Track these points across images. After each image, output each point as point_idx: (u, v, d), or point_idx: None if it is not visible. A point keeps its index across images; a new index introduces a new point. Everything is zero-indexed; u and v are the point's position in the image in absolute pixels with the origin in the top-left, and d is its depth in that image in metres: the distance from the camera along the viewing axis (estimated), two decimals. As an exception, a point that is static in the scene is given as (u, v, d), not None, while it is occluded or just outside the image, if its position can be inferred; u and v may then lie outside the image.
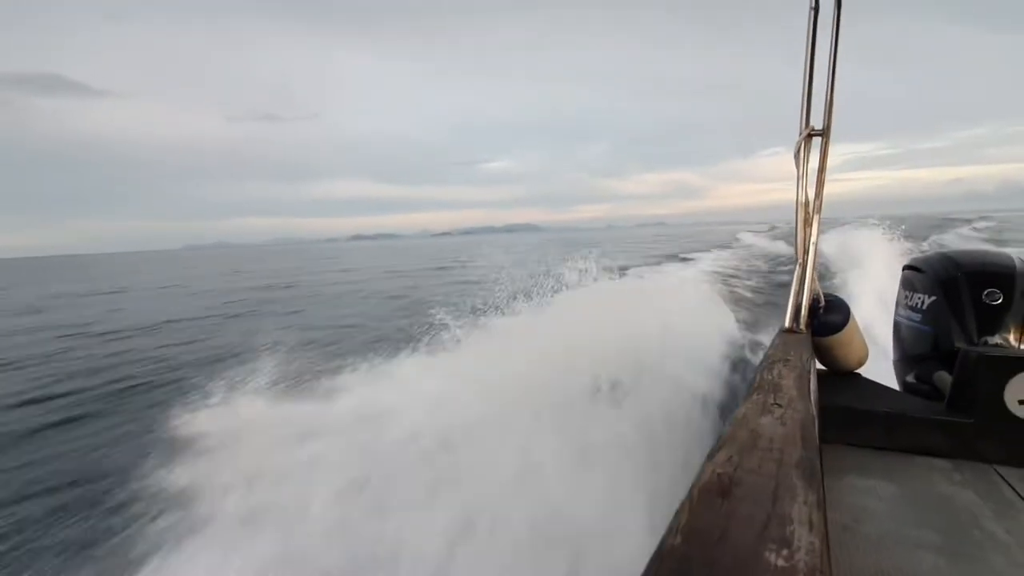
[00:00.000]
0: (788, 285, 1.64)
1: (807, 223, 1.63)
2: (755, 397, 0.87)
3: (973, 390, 1.30)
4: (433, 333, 4.72)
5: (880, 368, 1.78)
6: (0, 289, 24.93)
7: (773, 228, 35.36)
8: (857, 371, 1.72)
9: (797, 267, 1.62)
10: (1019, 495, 1.12)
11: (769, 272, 11.30)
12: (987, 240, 18.04)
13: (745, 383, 1.40)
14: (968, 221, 30.54)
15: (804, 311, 1.56)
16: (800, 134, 1.61)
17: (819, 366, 1.67)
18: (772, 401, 0.84)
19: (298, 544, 1.80)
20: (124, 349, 7.98)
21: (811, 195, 1.63)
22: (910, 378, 1.77)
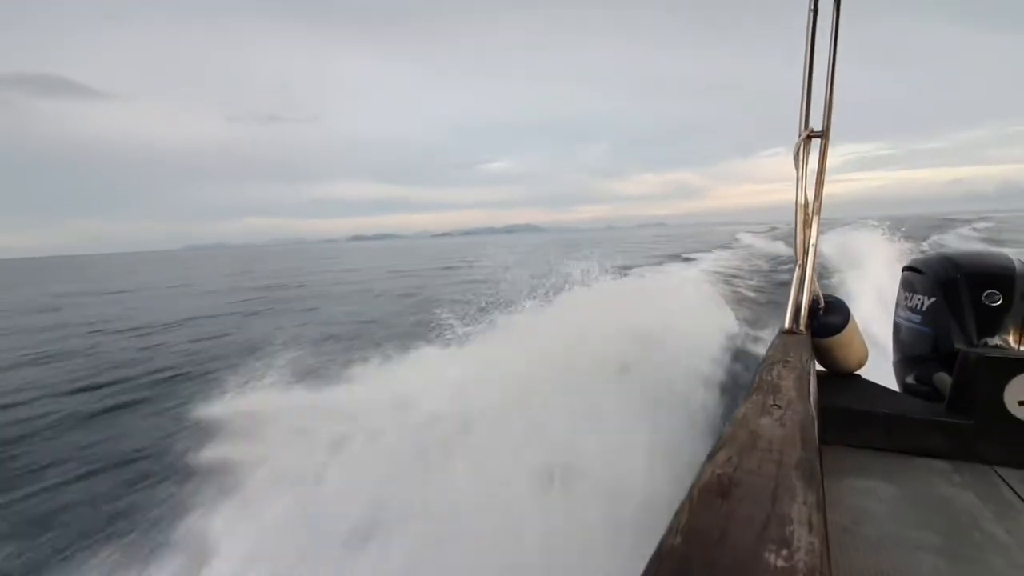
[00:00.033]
0: (788, 285, 1.64)
1: (806, 224, 1.63)
2: (755, 398, 0.87)
3: (973, 391, 1.30)
4: (447, 329, 5.04)
5: (880, 369, 1.78)
6: (13, 288, 25.14)
7: (773, 228, 35.36)
8: (857, 372, 1.72)
9: (796, 268, 1.62)
10: (1019, 496, 1.12)
11: (769, 272, 11.31)
12: (985, 240, 18.06)
13: (745, 384, 1.40)
14: (968, 222, 30.55)
15: (804, 312, 1.56)
16: (799, 135, 1.61)
17: (819, 367, 1.67)
18: (772, 402, 0.84)
19: (331, 507, 2.02)
20: (154, 343, 8.33)
21: (810, 196, 1.63)
22: (910, 379, 1.77)
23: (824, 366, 1.71)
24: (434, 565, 1.75)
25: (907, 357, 1.83)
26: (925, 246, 14.56)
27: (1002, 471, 1.22)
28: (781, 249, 16.30)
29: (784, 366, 1.08)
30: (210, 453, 2.76)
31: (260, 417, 3.09)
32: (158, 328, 9.85)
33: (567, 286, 5.59)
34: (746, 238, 24.40)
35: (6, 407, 4.64)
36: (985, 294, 1.62)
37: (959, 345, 1.62)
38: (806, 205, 1.63)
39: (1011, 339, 1.60)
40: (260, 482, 2.36)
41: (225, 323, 10.26)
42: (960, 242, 17.21)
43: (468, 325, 4.88)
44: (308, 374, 4.21)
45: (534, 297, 5.35)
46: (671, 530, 0.48)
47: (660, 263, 14.90)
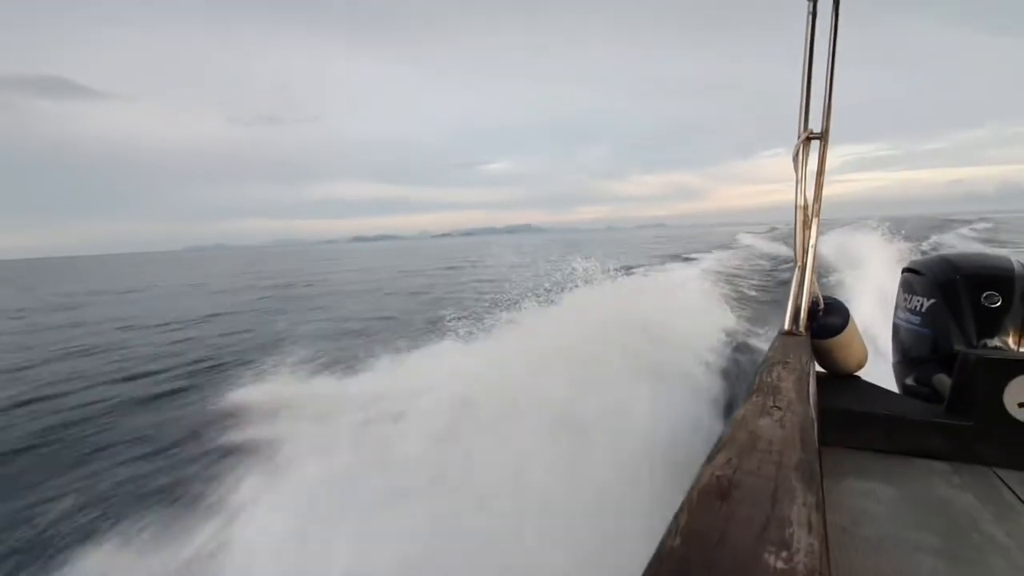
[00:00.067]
0: (787, 286, 1.64)
1: (806, 226, 1.63)
2: (754, 399, 0.87)
3: (972, 393, 1.30)
4: (460, 324, 5.41)
5: (879, 371, 1.78)
6: (27, 289, 25.25)
7: (773, 229, 35.35)
8: (856, 374, 1.72)
9: (796, 270, 1.63)
10: (1019, 498, 1.12)
11: (769, 273, 11.32)
12: (984, 241, 18.11)
13: (744, 385, 1.41)
14: (967, 222, 30.54)
15: (803, 313, 1.56)
16: (799, 137, 1.61)
17: (818, 368, 1.67)
18: (771, 403, 0.85)
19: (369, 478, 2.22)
20: (184, 338, 8.74)
21: (810, 198, 1.63)
22: (909, 380, 1.77)
23: (824, 367, 1.71)
24: (448, 527, 1.89)
25: (907, 358, 1.83)
26: (925, 247, 14.57)
27: (1002, 473, 1.22)
28: (781, 250, 16.31)
29: (784, 367, 1.08)
30: (244, 432, 3.05)
31: (290, 401, 3.42)
32: (185, 324, 10.25)
33: (570, 286, 5.79)
34: (746, 239, 24.39)
35: (65, 393, 5.14)
36: (984, 295, 1.63)
37: (958, 346, 1.62)
38: (805, 206, 1.63)
39: (1010, 340, 1.60)
40: (289, 456, 2.58)
41: (247, 319, 10.68)
42: (959, 242, 17.23)
43: (478, 321, 5.20)
44: (333, 364, 4.63)
45: (539, 296, 5.58)
46: (670, 532, 0.48)
47: (660, 263, 14.94)
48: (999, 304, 1.61)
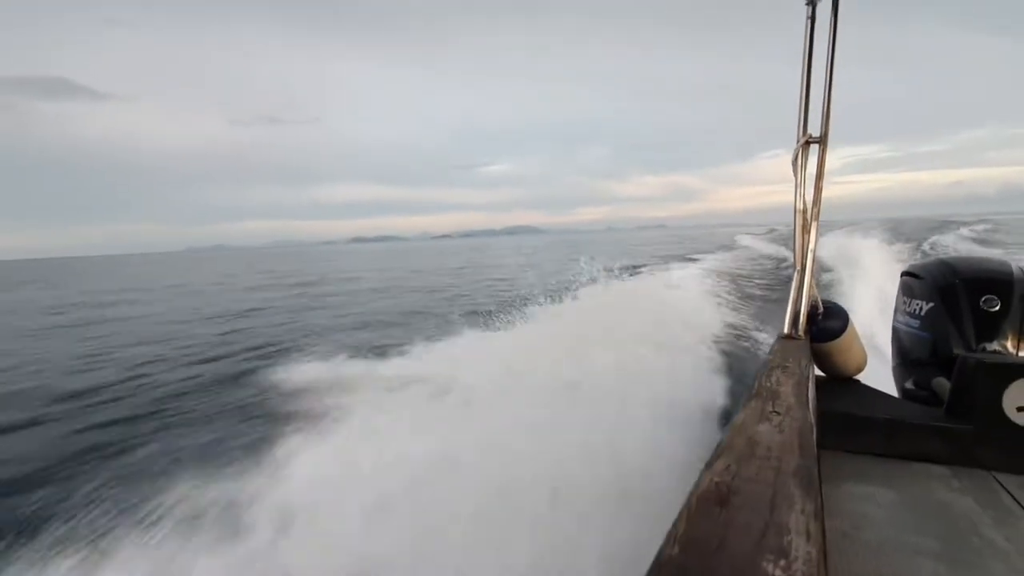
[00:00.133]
0: (786, 288, 1.64)
1: (805, 229, 1.64)
2: (753, 404, 0.87)
3: (971, 397, 1.30)
4: (481, 318, 6.29)
5: (879, 374, 1.78)
6: (53, 287, 25.47)
7: (772, 231, 35.38)
8: (856, 377, 1.72)
9: (796, 273, 1.63)
10: (1018, 502, 1.12)
11: (768, 275, 11.33)
12: (982, 242, 18.17)
13: (744, 388, 1.41)
14: (967, 224, 30.58)
15: (803, 317, 1.56)
16: (798, 141, 1.61)
17: (818, 372, 1.67)
18: (770, 408, 0.85)
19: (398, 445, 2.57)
20: (236, 328, 9.42)
21: (809, 201, 1.64)
22: (909, 384, 1.78)
23: (823, 371, 1.71)
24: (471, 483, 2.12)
25: (906, 362, 1.83)
26: (926, 247, 14.58)
27: (1001, 477, 1.22)
28: (780, 251, 16.33)
29: (783, 372, 1.08)
30: (307, 403, 3.60)
31: (337, 381, 4.08)
32: (232, 317, 10.98)
33: (575, 286, 6.47)
34: (745, 240, 24.41)
35: (154, 374, 6.02)
36: (983, 299, 1.63)
37: (958, 350, 1.62)
38: (805, 210, 1.63)
39: (1009, 344, 1.61)
40: (334, 424, 3.05)
41: (286, 313, 11.37)
42: (959, 243, 17.25)
43: (499, 315, 5.90)
44: (378, 349, 5.53)
45: (548, 295, 6.29)
46: (669, 539, 0.48)
47: (660, 265, 14.97)
48: (998, 308, 1.62)
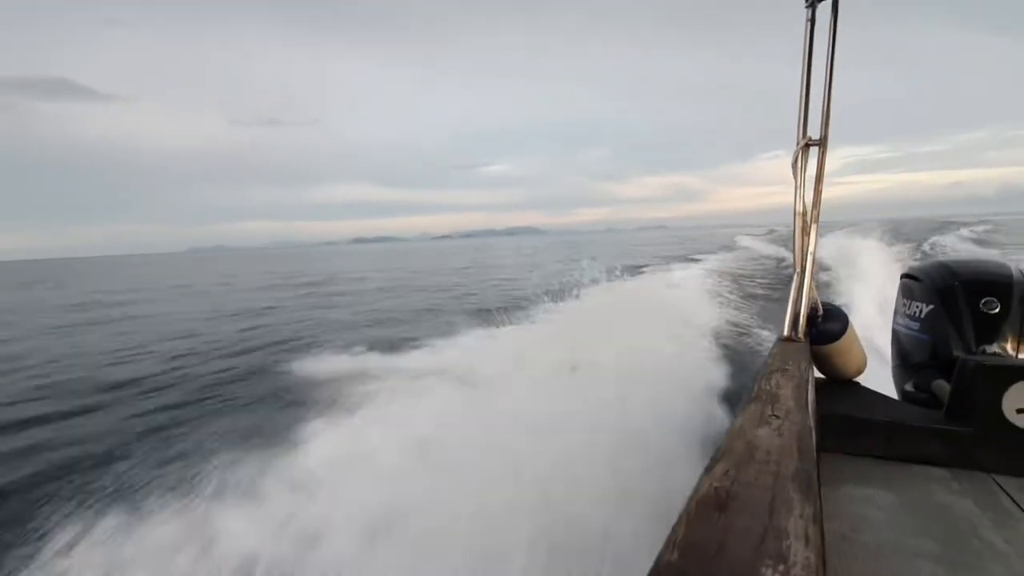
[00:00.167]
0: (786, 289, 1.64)
1: (805, 232, 1.64)
2: (753, 408, 0.87)
3: (971, 399, 1.30)
4: (488, 315, 6.66)
5: (879, 376, 1.78)
6: (62, 286, 25.85)
7: (771, 231, 35.40)
8: (856, 379, 1.72)
9: (795, 275, 1.63)
10: (1017, 505, 1.12)
11: (768, 276, 11.34)
12: (980, 242, 18.23)
13: (743, 391, 1.41)
14: (967, 224, 30.62)
15: (802, 319, 1.56)
16: (797, 144, 1.62)
17: (817, 374, 1.67)
18: (770, 412, 0.85)
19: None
20: (257, 324, 9.91)
21: (809, 204, 1.64)
22: (908, 386, 1.78)
23: (823, 373, 1.71)
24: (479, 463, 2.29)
25: (906, 364, 1.83)
26: (926, 247, 14.59)
27: (1000, 479, 1.22)
28: (780, 252, 16.36)
29: (783, 375, 1.08)
30: (323, 393, 3.93)
31: (358, 372, 4.44)
32: (251, 314, 11.47)
33: (576, 288, 6.70)
34: (745, 241, 24.43)
35: (191, 366, 6.56)
36: (983, 301, 1.63)
37: (957, 352, 1.62)
38: (804, 213, 1.63)
39: (1009, 347, 1.61)
40: (355, 409, 3.32)
41: (301, 311, 11.80)
42: (958, 244, 17.27)
43: (503, 314, 6.25)
44: (386, 345, 5.91)
45: (550, 295, 6.51)
46: (668, 544, 0.48)
47: (661, 265, 15.01)
48: (998, 310, 1.62)
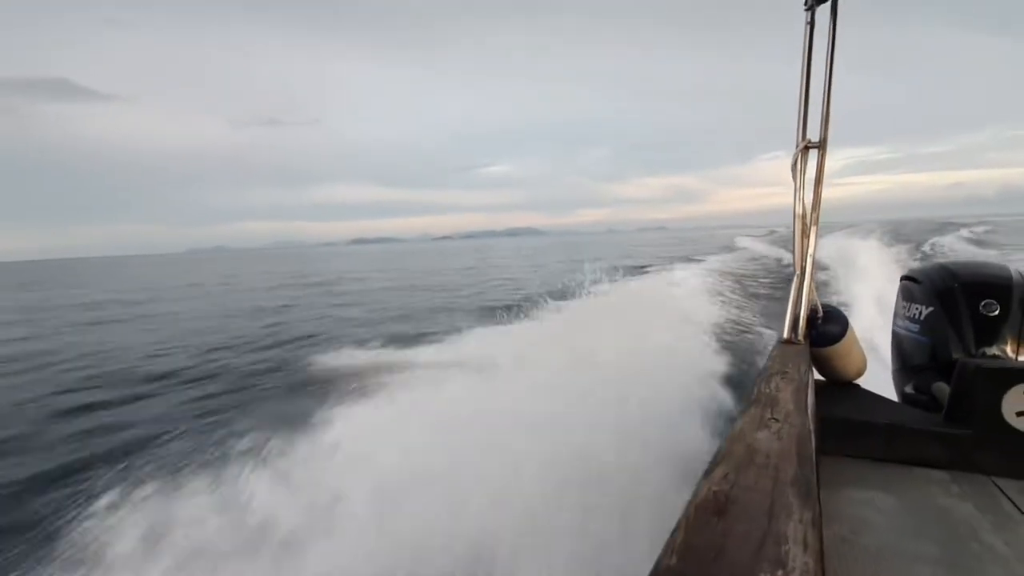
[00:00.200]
0: (786, 290, 1.64)
1: (805, 234, 1.63)
2: (752, 411, 0.87)
3: (971, 401, 1.30)
4: (499, 312, 7.07)
5: (878, 378, 1.78)
6: (72, 287, 26.09)
7: (771, 232, 35.40)
8: (856, 382, 1.72)
9: (795, 278, 1.62)
10: (1017, 507, 1.12)
11: (768, 277, 11.35)
12: (979, 242, 18.25)
13: (743, 394, 1.41)
14: (967, 225, 30.63)
15: (802, 322, 1.56)
16: (797, 146, 1.61)
17: (817, 376, 1.67)
18: (769, 415, 0.84)
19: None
20: (276, 322, 10.28)
21: (809, 206, 1.64)
22: (908, 389, 1.78)
23: (823, 375, 1.71)
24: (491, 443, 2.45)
25: (906, 366, 1.83)
26: (927, 248, 14.60)
27: (1000, 482, 1.22)
28: (780, 253, 16.37)
29: (782, 378, 1.08)
30: (348, 383, 4.21)
31: (374, 365, 4.86)
32: (270, 312, 11.92)
33: (579, 288, 6.99)
34: (744, 241, 24.42)
35: (226, 359, 7.00)
36: (983, 304, 1.63)
37: (957, 355, 1.62)
38: (804, 215, 1.63)
39: (1008, 349, 1.60)
40: (377, 396, 3.65)
41: (317, 309, 12.21)
42: (957, 244, 17.28)
43: (509, 313, 6.63)
44: (400, 341, 6.41)
45: (553, 295, 6.85)
46: (667, 549, 0.48)
47: (662, 266, 15.04)
48: (997, 312, 1.61)
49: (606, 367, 3.25)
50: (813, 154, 1.62)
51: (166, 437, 3.89)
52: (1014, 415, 1.24)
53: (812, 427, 0.83)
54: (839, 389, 1.67)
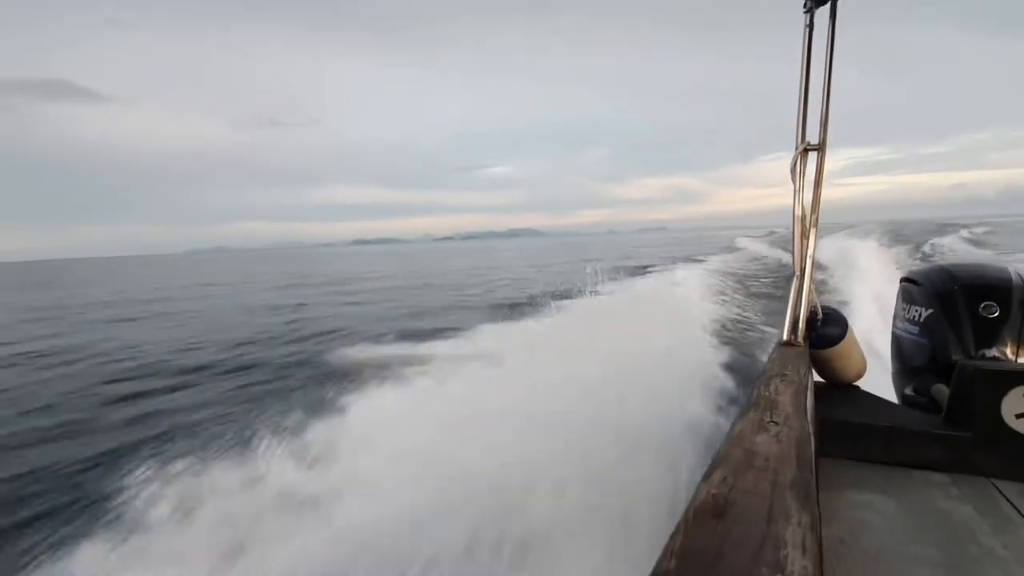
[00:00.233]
0: (785, 291, 1.64)
1: (804, 236, 1.63)
2: (751, 414, 0.87)
3: (970, 403, 1.30)
4: (506, 310, 7.56)
5: (878, 380, 1.78)
6: (82, 287, 26.50)
7: (771, 233, 35.37)
8: (855, 383, 1.71)
9: (795, 279, 1.62)
10: (1017, 510, 1.11)
11: (768, 278, 11.34)
12: (978, 243, 18.25)
13: (743, 395, 1.41)
14: (967, 226, 30.57)
15: (802, 323, 1.55)
16: (796, 148, 1.61)
17: (817, 378, 1.67)
18: (769, 418, 0.84)
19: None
20: (295, 318, 10.67)
21: (808, 208, 1.63)
22: (908, 391, 1.77)
23: (823, 377, 1.71)
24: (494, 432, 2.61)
25: (905, 368, 1.83)
26: (927, 248, 14.59)
27: (1000, 484, 1.22)
28: (780, 253, 16.35)
29: (782, 380, 1.08)
30: (369, 374, 4.43)
31: (391, 358, 5.22)
32: (287, 310, 12.30)
33: (581, 288, 7.20)
34: (744, 242, 24.37)
35: (254, 353, 7.40)
36: (982, 306, 1.62)
37: (957, 357, 1.61)
38: (804, 217, 1.63)
39: (1008, 351, 1.60)
40: (389, 386, 3.96)
41: (332, 308, 12.62)
42: (957, 244, 17.27)
43: (514, 312, 6.96)
44: (414, 337, 6.80)
45: (556, 295, 6.94)
46: (666, 553, 0.48)
47: (664, 267, 15.04)
48: (997, 314, 1.61)
49: (608, 366, 3.24)
50: (812, 156, 1.62)
51: (209, 422, 4.27)
52: (1014, 417, 1.24)
53: (811, 430, 0.83)
54: (839, 391, 1.66)
